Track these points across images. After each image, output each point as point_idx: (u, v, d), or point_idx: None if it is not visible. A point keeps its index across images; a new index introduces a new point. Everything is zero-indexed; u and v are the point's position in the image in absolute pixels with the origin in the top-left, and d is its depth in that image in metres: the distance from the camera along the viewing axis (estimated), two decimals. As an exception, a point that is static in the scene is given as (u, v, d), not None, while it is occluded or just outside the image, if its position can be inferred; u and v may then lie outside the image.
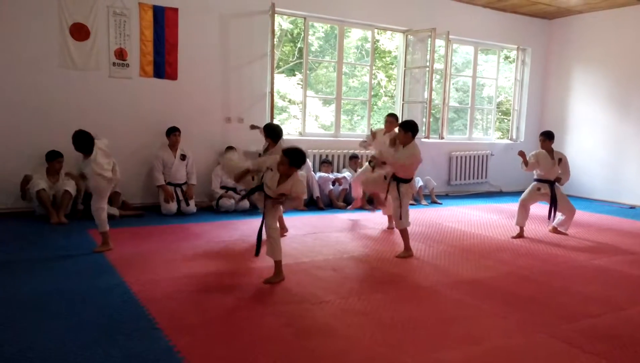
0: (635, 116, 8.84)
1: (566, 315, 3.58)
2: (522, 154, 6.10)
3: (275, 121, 7.86)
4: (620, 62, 8.98)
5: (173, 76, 6.86)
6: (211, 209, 6.92)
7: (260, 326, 3.21)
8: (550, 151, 6.09)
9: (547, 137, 6.14)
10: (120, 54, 6.52)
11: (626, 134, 8.99)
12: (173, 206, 6.56)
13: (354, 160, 8.01)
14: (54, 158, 6.04)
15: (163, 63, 6.78)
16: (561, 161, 6.10)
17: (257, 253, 4.23)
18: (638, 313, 3.71)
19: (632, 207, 8.63)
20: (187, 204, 6.65)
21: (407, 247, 4.99)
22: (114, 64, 6.50)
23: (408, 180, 5.04)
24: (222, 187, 6.99)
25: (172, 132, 6.64)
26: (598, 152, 9.43)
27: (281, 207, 4.36)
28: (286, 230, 5.66)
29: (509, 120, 10.93)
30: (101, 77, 6.44)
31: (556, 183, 6.11)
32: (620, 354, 3.00)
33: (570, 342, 3.14)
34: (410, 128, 4.96)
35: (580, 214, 7.79)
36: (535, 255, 5.26)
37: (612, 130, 9.19)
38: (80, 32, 6.27)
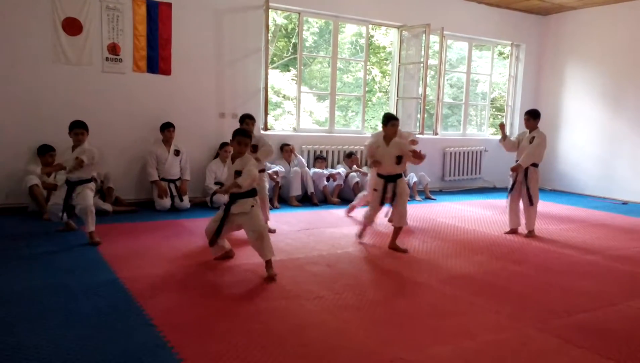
0: (629, 112, 8.89)
1: (559, 310, 3.60)
2: (502, 126, 6.05)
3: (270, 117, 7.86)
4: (614, 58, 9.01)
5: (167, 71, 6.83)
6: (205, 205, 6.91)
7: (255, 321, 3.21)
8: (533, 131, 5.79)
9: (530, 115, 5.81)
10: (114, 49, 6.49)
11: (619, 130, 9.04)
12: (167, 202, 6.55)
13: (350, 158, 8.00)
14: (46, 151, 6.01)
15: (157, 58, 6.75)
16: (533, 139, 5.71)
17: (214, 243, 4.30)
18: (630, 307, 3.74)
19: (625, 203, 8.68)
20: (181, 200, 6.64)
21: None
22: (107, 58, 6.46)
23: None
24: (216, 183, 6.97)
25: (167, 128, 6.62)
26: (591, 148, 9.48)
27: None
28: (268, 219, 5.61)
29: (502, 116, 10.95)
30: (94, 72, 6.41)
31: (532, 167, 5.76)
32: (612, 349, 3.02)
33: (562, 336, 3.17)
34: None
35: (573, 210, 7.85)
36: (527, 250, 5.29)
37: (605, 126, 9.24)
38: (72, 26, 6.23)
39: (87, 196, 4.90)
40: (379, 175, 5.10)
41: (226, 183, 4.11)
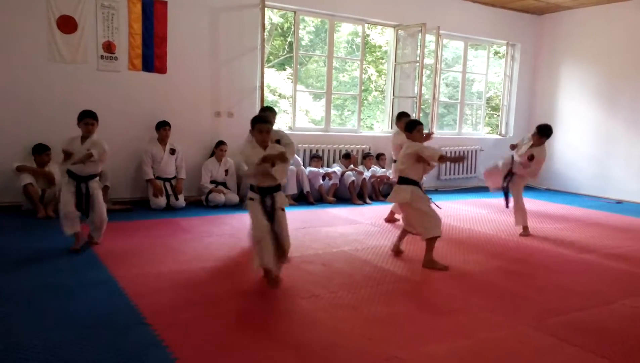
0: (623, 112, 8.92)
1: (553, 309, 3.61)
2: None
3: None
4: (609, 58, 9.04)
5: (162, 70, 6.81)
6: (200, 203, 6.90)
7: (250, 320, 3.21)
8: (536, 147, 5.78)
9: (537, 132, 5.79)
10: (109, 47, 6.46)
11: (614, 130, 9.08)
12: (162, 201, 6.53)
13: (348, 159, 7.96)
14: (41, 151, 5.98)
15: (152, 56, 6.72)
16: (531, 155, 5.69)
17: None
18: (625, 306, 3.75)
19: (619, 202, 8.72)
20: (176, 199, 6.62)
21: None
22: (102, 57, 6.43)
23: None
24: (211, 181, 6.96)
25: (162, 127, 6.60)
26: (586, 147, 9.51)
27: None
28: None
29: (498, 115, 10.97)
30: (89, 71, 6.38)
31: (518, 177, 5.87)
32: (607, 347, 3.03)
33: (557, 335, 3.18)
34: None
35: (568, 209, 7.88)
36: (523, 249, 5.30)
37: (600, 126, 9.27)
38: (67, 24, 6.20)
39: (104, 206, 4.73)
40: (414, 181, 4.61)
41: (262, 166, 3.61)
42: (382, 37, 12.75)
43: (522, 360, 2.87)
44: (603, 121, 9.23)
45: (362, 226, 6.01)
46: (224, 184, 7.06)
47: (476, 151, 9.73)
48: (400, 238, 4.89)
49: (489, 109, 12.57)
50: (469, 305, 3.64)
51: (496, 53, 11.84)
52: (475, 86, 13.08)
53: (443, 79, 12.44)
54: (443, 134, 9.93)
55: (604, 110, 9.22)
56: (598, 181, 9.26)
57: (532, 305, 3.67)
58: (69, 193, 4.54)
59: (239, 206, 6.79)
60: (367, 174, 7.90)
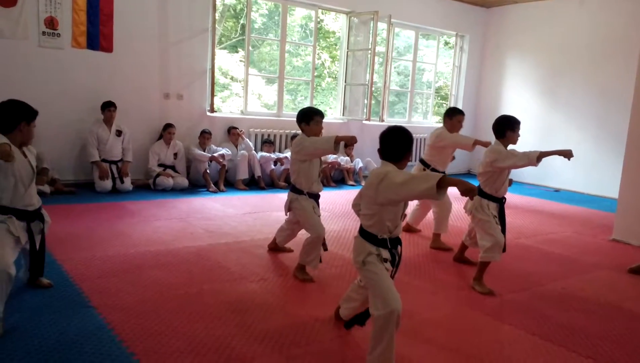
0: (563, 105, 9.34)
1: (493, 290, 3.79)
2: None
3: (217, 99, 7.73)
4: (551, 53, 9.42)
5: (108, 48, 6.59)
6: (148, 187, 6.76)
7: (197, 303, 3.21)
8: None
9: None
10: (51, 23, 6.19)
11: (553, 122, 9.50)
12: (108, 184, 6.36)
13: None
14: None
15: (97, 34, 6.49)
16: None
17: None
18: (556, 287, 3.99)
19: (557, 190, 9.18)
20: (122, 182, 6.46)
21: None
22: (43, 33, 6.16)
23: None
24: (160, 165, 6.83)
25: (107, 108, 6.40)
26: (528, 137, 9.86)
27: None
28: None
29: (447, 105, 11.25)
30: (30, 47, 6.10)
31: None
32: (538, 325, 3.23)
33: (493, 314, 3.36)
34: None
35: (509, 197, 8.15)
36: (462, 234, 5.49)
37: (541, 117, 9.67)
38: (6, -3, 5.89)
39: None
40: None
41: None
42: (336, 23, 12.77)
43: (460, 336, 3.02)
44: (544, 112, 9.63)
45: (312, 211, 6.06)
46: (172, 167, 6.95)
47: (425, 139, 9.94)
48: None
49: (438, 98, 12.86)
50: (411, 287, 3.78)
51: (446, 43, 12.10)
52: (425, 75, 13.33)
53: (394, 68, 12.61)
54: (394, 122, 10.11)
55: (545, 102, 9.62)
56: (538, 170, 9.51)
57: (471, 288, 3.84)
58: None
59: (187, 191, 6.71)
60: (318, 159, 7.94)
